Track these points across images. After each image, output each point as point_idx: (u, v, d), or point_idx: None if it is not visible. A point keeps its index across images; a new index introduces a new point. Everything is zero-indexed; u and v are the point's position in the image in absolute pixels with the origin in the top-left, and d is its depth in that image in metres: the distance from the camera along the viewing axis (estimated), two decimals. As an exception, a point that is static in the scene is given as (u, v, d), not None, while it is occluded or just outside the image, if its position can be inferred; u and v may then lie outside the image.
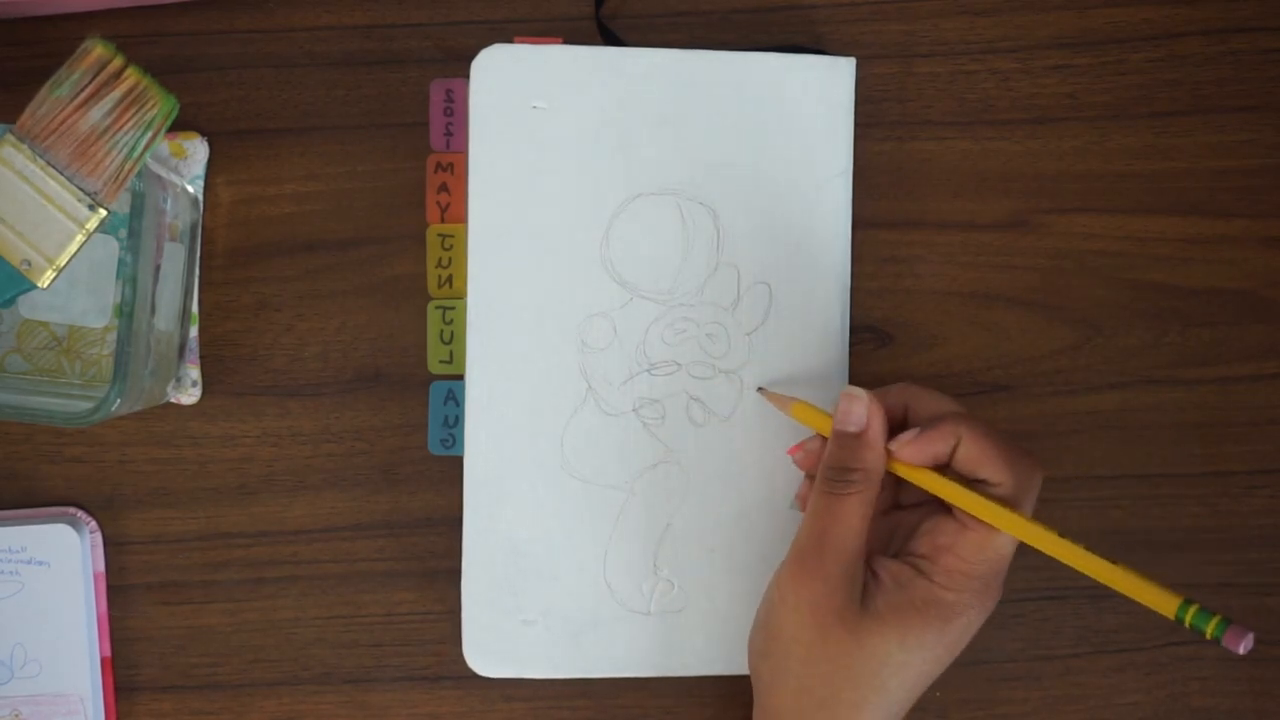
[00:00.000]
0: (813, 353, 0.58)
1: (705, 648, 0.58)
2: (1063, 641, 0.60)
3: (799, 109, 0.58)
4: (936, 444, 0.51)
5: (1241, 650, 0.46)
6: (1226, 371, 0.60)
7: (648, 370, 0.58)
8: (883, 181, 0.60)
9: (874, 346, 0.60)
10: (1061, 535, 0.49)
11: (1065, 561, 0.49)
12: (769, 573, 0.53)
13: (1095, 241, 0.60)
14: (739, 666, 0.56)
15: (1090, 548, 0.49)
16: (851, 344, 0.59)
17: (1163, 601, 0.47)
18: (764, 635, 0.52)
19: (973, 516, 0.50)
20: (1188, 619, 0.47)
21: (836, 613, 0.50)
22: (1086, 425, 0.60)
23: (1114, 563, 0.48)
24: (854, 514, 0.51)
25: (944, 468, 0.51)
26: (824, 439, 0.54)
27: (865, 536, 0.51)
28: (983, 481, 0.50)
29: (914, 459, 0.51)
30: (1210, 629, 0.46)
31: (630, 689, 0.60)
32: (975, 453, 0.50)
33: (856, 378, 0.59)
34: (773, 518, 0.57)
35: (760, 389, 0.57)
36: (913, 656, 0.50)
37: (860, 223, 0.59)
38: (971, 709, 0.60)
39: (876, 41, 0.60)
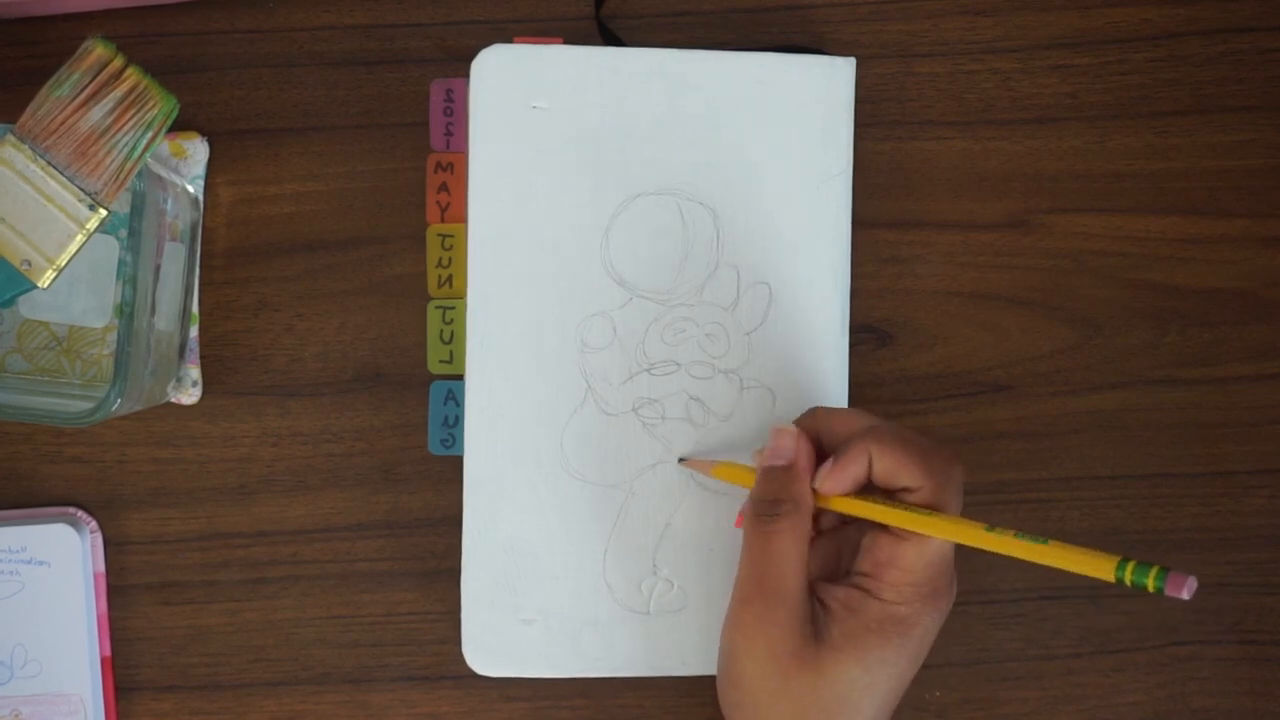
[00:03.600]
0: (813, 353, 0.58)
1: (705, 647, 0.58)
2: (1063, 641, 0.60)
3: (799, 109, 0.58)
4: (851, 468, 0.50)
5: (1186, 595, 0.43)
6: (1226, 371, 0.60)
7: (647, 370, 0.58)
8: (883, 181, 0.60)
9: (874, 346, 0.60)
10: (990, 529, 0.47)
11: (998, 551, 0.47)
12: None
13: (1095, 241, 0.60)
14: (739, 666, 0.56)
15: (1020, 533, 0.47)
16: (851, 344, 0.59)
17: (1100, 565, 0.45)
18: (728, 686, 0.51)
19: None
20: (1127, 577, 0.44)
21: (793, 654, 0.49)
22: (1086, 425, 0.60)
23: (1045, 541, 0.46)
24: (789, 549, 0.50)
25: (869, 485, 0.51)
26: None
27: (804, 571, 0.50)
28: (904, 489, 0.50)
29: (835, 489, 0.50)
30: (1151, 581, 0.44)
31: (630, 689, 0.60)
32: (888, 464, 0.49)
33: (856, 378, 0.59)
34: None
35: (681, 460, 0.57)
36: (878, 675, 0.49)
37: (860, 223, 0.59)
38: (971, 709, 0.60)
39: (876, 41, 0.60)
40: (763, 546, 0.50)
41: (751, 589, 0.50)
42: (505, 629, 0.57)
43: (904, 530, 0.49)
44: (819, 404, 0.57)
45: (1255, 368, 0.60)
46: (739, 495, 0.58)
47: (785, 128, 0.58)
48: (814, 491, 0.51)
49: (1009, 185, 0.60)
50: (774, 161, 0.58)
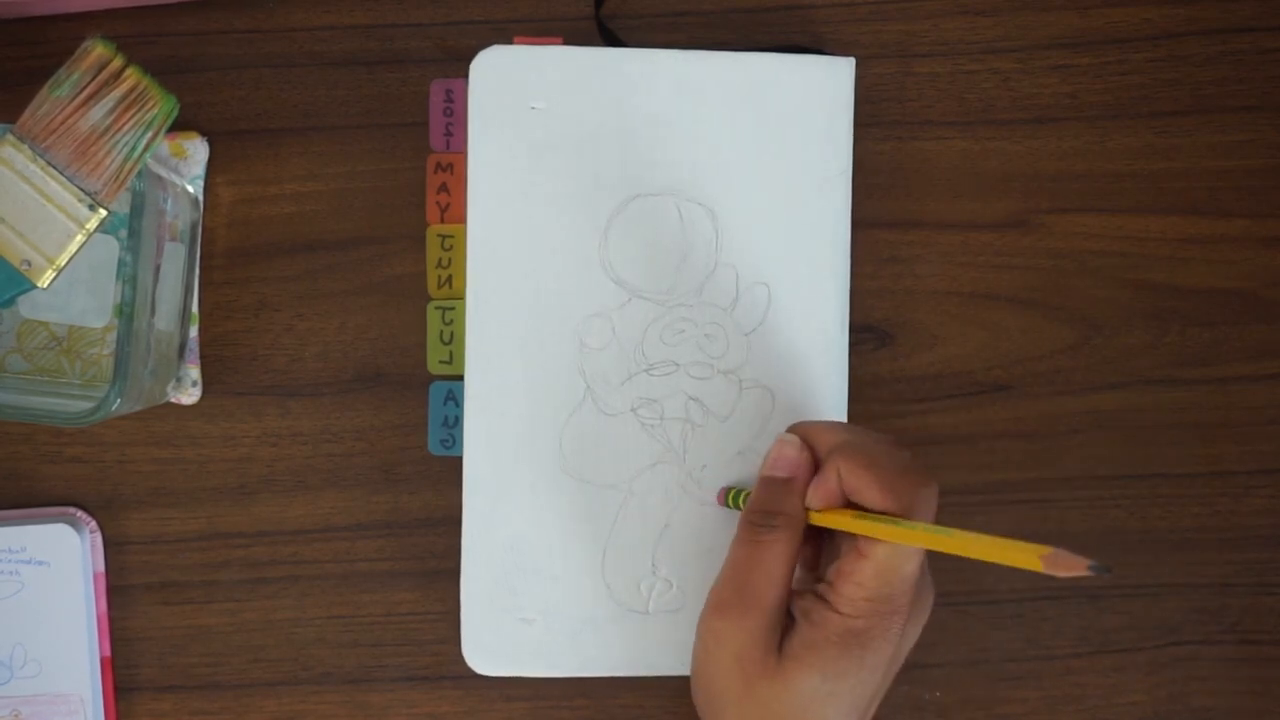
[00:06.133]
0: (812, 353, 0.58)
1: (704, 648, 0.58)
2: (1063, 641, 0.60)
3: (799, 109, 0.58)
4: (827, 483, 0.50)
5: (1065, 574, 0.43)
6: (1226, 371, 0.60)
7: (646, 370, 0.58)
8: (883, 181, 0.60)
9: (874, 346, 0.60)
10: (919, 527, 0.46)
11: (936, 549, 0.45)
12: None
13: (1095, 241, 0.60)
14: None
15: (946, 524, 0.46)
16: (851, 344, 0.59)
17: (1026, 557, 0.44)
18: (699, 688, 0.52)
19: (867, 540, 0.49)
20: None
21: (759, 663, 0.49)
22: (1086, 425, 0.60)
23: (975, 533, 0.45)
24: (777, 561, 0.50)
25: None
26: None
27: (787, 584, 0.50)
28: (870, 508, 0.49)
29: (811, 505, 0.51)
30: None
31: (630, 689, 0.60)
32: (852, 484, 0.49)
33: (856, 378, 0.59)
34: (772, 518, 0.57)
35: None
36: (838, 685, 0.49)
37: (860, 223, 0.59)
38: (971, 709, 0.60)
39: (876, 41, 0.60)
40: (750, 555, 0.50)
41: (730, 594, 0.50)
42: (505, 629, 0.57)
43: (864, 542, 0.49)
44: (818, 404, 0.57)
45: (1255, 368, 0.60)
46: (739, 495, 0.58)
47: (785, 128, 0.58)
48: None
49: (1009, 185, 0.60)
50: (774, 161, 0.58)
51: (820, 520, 0.50)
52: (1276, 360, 0.60)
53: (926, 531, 0.46)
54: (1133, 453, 0.60)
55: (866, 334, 0.60)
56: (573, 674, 0.58)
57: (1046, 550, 0.40)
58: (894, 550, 0.48)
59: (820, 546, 0.53)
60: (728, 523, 0.58)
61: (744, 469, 0.58)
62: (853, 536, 0.49)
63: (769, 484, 0.52)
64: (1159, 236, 0.60)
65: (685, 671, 0.58)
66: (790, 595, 0.51)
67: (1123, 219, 0.60)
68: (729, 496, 0.57)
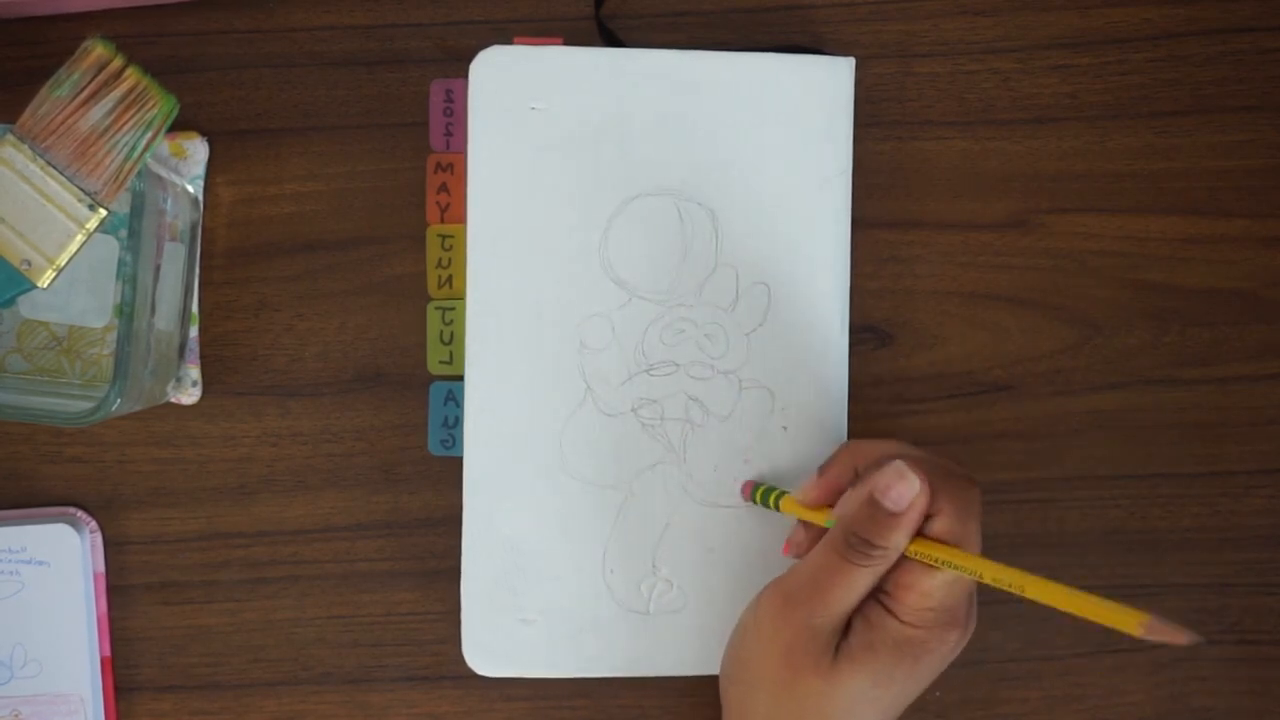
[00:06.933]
0: (812, 353, 0.58)
1: (704, 647, 0.58)
2: (1063, 641, 0.60)
3: (799, 109, 0.58)
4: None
5: (1185, 641, 0.44)
6: (1226, 371, 0.60)
7: (646, 370, 0.58)
8: (883, 181, 0.60)
9: (874, 346, 0.60)
10: (1016, 570, 0.47)
11: (1039, 599, 0.46)
12: (768, 573, 0.53)
13: (1095, 241, 0.60)
14: (738, 666, 0.56)
15: (1051, 578, 0.46)
16: (851, 344, 0.59)
17: (1126, 621, 0.45)
18: (736, 662, 0.52)
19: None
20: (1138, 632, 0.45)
21: (812, 658, 0.49)
22: (1086, 425, 0.60)
23: (1077, 590, 0.47)
24: (863, 583, 0.50)
25: None
26: (807, 527, 0.54)
27: (858, 602, 0.50)
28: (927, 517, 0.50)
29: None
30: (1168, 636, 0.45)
31: (630, 689, 0.60)
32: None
33: (856, 378, 0.59)
34: (772, 517, 0.57)
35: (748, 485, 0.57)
36: (884, 692, 0.50)
37: (860, 223, 0.59)
38: (971, 709, 0.60)
39: (876, 41, 0.60)
40: (839, 569, 0.50)
41: (805, 592, 0.50)
42: (505, 629, 0.57)
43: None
44: (818, 404, 0.57)
45: (1255, 368, 0.60)
46: (738, 495, 0.58)
47: (785, 128, 0.58)
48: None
49: (1009, 185, 0.60)
50: (774, 161, 0.58)
51: (922, 555, 0.49)
52: (1276, 360, 0.60)
53: (1036, 583, 0.46)
54: (1133, 453, 0.60)
55: (866, 334, 0.60)
56: (573, 675, 0.58)
57: (1146, 618, 0.42)
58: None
59: None
60: (729, 523, 0.58)
61: (744, 469, 0.58)
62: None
63: (879, 512, 0.49)
64: (1159, 236, 0.60)
65: (686, 672, 0.58)
66: None
67: (1123, 219, 0.60)
68: (758, 493, 0.56)
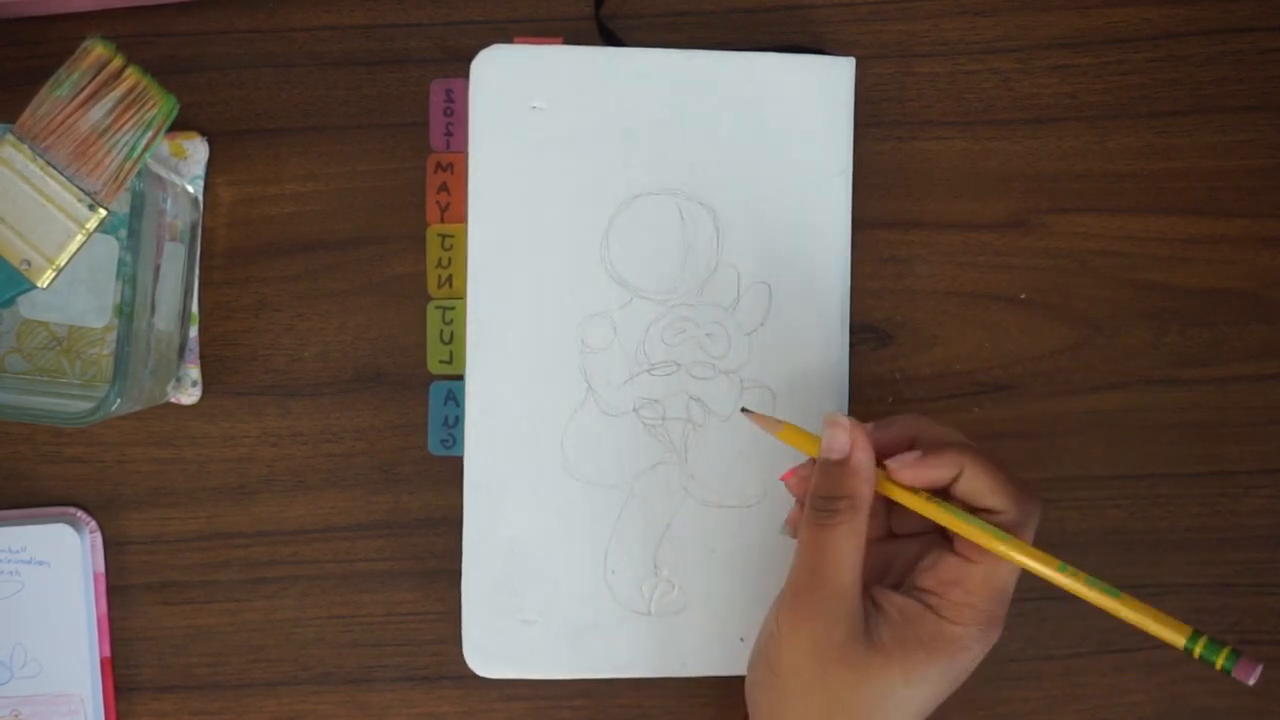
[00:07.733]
0: (813, 353, 0.58)
1: (705, 648, 0.58)
2: (1063, 641, 0.60)
3: (799, 109, 0.58)
4: (939, 469, 0.50)
5: (1251, 682, 0.46)
6: (1226, 371, 0.60)
7: (648, 370, 0.58)
8: (883, 181, 0.60)
9: (874, 346, 0.60)
10: (1062, 568, 0.48)
11: (1066, 589, 0.49)
12: (769, 573, 0.53)
13: (1095, 241, 0.60)
14: (739, 667, 0.56)
15: (1090, 579, 0.48)
16: (851, 344, 0.59)
17: (1171, 633, 0.47)
18: (763, 666, 0.51)
19: (976, 547, 0.49)
20: (1197, 650, 0.47)
21: (838, 649, 0.49)
22: (1086, 425, 0.60)
23: (1116, 594, 0.48)
24: (844, 545, 0.49)
25: (942, 496, 0.50)
26: (802, 505, 0.53)
27: (860, 567, 0.50)
28: (986, 510, 0.50)
29: (913, 481, 0.50)
30: (1220, 660, 0.46)
31: (630, 689, 0.60)
32: (983, 483, 0.49)
33: (856, 377, 0.59)
34: (773, 518, 0.57)
35: (745, 410, 0.55)
36: (917, 691, 0.49)
37: (860, 223, 0.59)
38: (971, 709, 0.60)
39: (876, 41, 0.60)
40: (818, 542, 0.50)
41: (805, 579, 0.50)
42: (505, 630, 0.57)
43: (975, 551, 0.49)
44: (819, 404, 0.57)
45: (1255, 368, 0.60)
46: (739, 495, 0.58)
47: (785, 128, 0.58)
48: (888, 472, 0.50)
49: (1009, 185, 0.60)
50: (774, 161, 0.58)
51: (924, 508, 0.50)
52: (1276, 360, 0.60)
53: (1089, 586, 0.48)
54: (1133, 453, 0.60)
55: (866, 334, 0.60)
56: (574, 675, 0.58)
57: (1190, 631, 0.46)
58: (1001, 561, 0.49)
59: (890, 559, 0.53)
60: (730, 524, 0.58)
61: (745, 469, 0.58)
62: (945, 538, 0.50)
63: (826, 468, 0.50)
64: (1159, 236, 0.60)
65: (687, 673, 0.58)
66: (874, 590, 0.51)
67: (1123, 219, 0.60)
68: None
